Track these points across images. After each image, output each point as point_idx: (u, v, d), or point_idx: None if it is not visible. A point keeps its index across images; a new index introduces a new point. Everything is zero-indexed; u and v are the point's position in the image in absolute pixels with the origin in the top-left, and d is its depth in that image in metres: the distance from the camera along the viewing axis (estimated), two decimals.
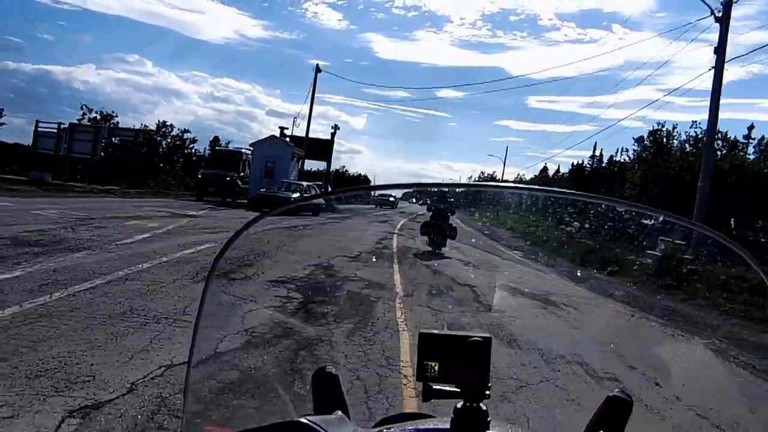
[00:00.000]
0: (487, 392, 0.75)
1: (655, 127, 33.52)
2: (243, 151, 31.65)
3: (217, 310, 4.98)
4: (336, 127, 39.43)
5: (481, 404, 0.75)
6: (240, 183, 28.68)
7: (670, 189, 24.29)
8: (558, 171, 59.57)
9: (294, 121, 47.51)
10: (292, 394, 3.79)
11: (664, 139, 32.84)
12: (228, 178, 27.59)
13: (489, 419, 0.75)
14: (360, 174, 78.74)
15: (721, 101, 16.60)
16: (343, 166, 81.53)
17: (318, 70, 35.89)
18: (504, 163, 59.56)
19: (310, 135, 37.06)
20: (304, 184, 28.82)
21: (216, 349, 4.46)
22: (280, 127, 38.24)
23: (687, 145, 30.85)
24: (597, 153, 46.84)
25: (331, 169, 43.11)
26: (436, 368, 0.78)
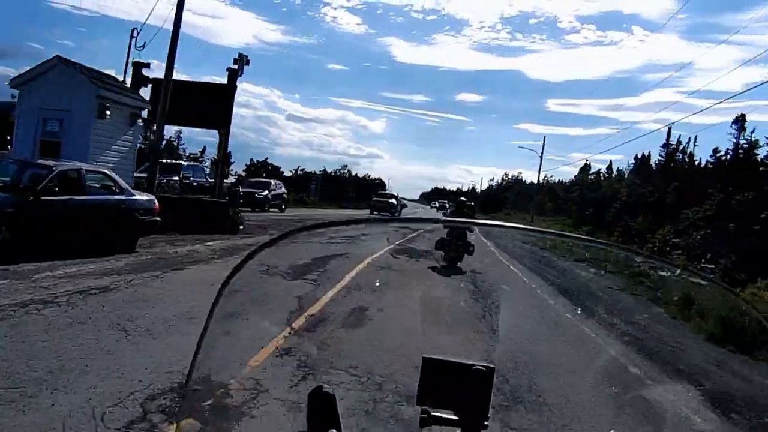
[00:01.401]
0: (486, 422, 0.76)
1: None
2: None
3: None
4: (242, 60, 17.00)
5: None
6: None
7: None
8: (609, 167, 52.34)
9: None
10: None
11: None
12: None
13: None
14: (379, 179, 73.62)
15: None
16: (368, 174, 75.49)
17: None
18: (541, 157, 52.43)
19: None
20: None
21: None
22: (136, 63, 17.63)
23: None
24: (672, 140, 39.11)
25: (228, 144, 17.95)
26: (437, 394, 0.77)
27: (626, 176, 44.30)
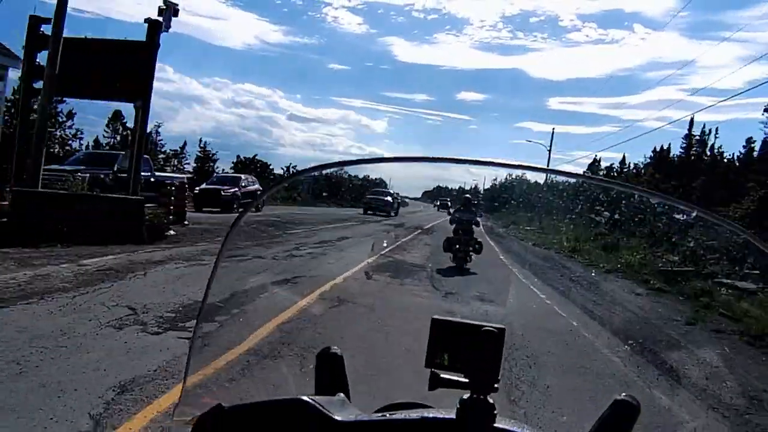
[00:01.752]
0: (496, 385, 0.74)
1: None
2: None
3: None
4: (169, 8, 12.56)
5: (488, 397, 0.74)
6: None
7: None
8: (623, 162, 48.47)
9: None
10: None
11: None
12: None
13: (495, 412, 0.74)
14: (379, 178, 70.05)
15: None
16: (368, 175, 71.89)
17: None
18: (549, 151, 48.67)
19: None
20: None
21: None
22: (33, 18, 11.92)
23: None
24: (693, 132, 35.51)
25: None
26: (446, 356, 0.76)
27: (644, 171, 40.50)
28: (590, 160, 53.20)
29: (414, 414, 0.76)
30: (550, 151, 49.27)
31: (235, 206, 20.89)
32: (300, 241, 13.45)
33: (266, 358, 4.33)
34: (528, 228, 35.38)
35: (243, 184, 22.20)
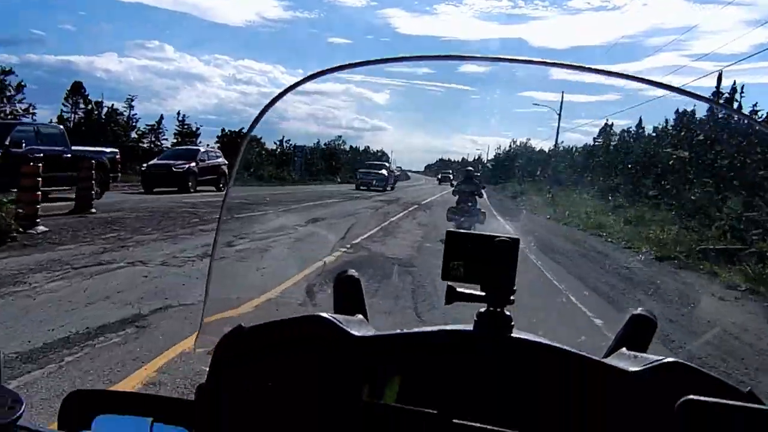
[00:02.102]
0: (512, 297, 0.75)
1: None
2: None
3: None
4: None
5: (505, 309, 0.75)
6: None
7: None
8: (639, 124, 44.48)
9: None
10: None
11: None
12: None
13: (513, 324, 0.75)
14: (381, 150, 66.52)
15: None
16: (368, 146, 68.27)
17: None
18: (559, 115, 44.65)
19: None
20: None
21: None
22: None
23: None
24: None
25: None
26: (462, 268, 0.76)
27: (664, 136, 36.57)
28: (595, 128, 49.18)
29: (432, 328, 0.77)
30: (560, 115, 45.38)
31: (190, 184, 17.31)
32: (245, 230, 9.92)
33: None
34: (535, 198, 31.93)
35: (202, 158, 18.36)
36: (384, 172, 32.52)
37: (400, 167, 39.64)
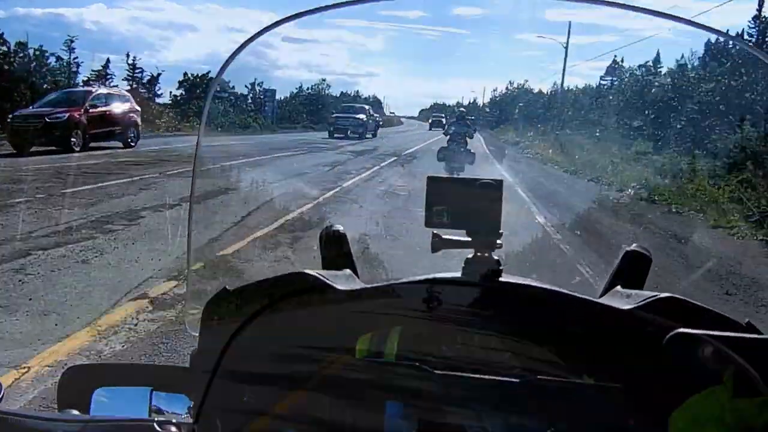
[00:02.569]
0: (499, 242, 0.73)
1: None
2: None
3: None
4: None
5: (492, 254, 0.73)
6: None
7: None
8: (657, 58, 39.37)
9: None
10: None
11: None
12: None
13: (501, 268, 0.73)
14: (373, 95, 60.98)
15: None
16: (357, 90, 62.72)
17: None
18: (566, 48, 39.20)
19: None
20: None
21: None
22: None
23: None
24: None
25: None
26: (445, 213, 0.74)
27: (694, 70, 31.34)
28: (596, 71, 43.92)
29: (419, 277, 0.75)
30: (566, 47, 39.93)
31: (74, 141, 12.47)
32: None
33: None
34: (535, 142, 27.55)
35: (93, 103, 13.39)
36: (362, 116, 27.58)
37: (393, 112, 35.40)
